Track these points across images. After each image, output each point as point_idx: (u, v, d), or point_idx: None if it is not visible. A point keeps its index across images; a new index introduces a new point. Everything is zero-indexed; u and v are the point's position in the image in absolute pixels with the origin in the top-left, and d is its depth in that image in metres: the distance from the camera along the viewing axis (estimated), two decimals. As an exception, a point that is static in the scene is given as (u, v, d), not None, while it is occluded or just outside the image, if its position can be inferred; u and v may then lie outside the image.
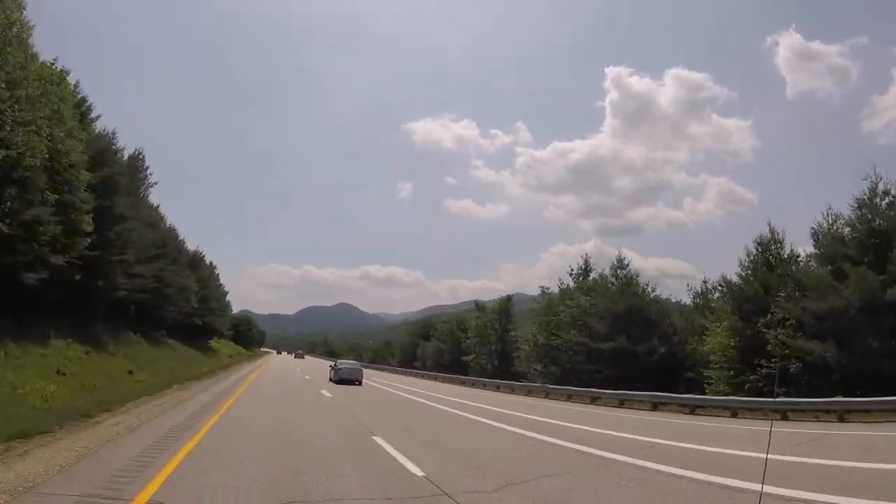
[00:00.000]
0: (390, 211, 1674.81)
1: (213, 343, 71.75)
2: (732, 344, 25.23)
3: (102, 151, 26.93)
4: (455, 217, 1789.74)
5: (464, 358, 56.61)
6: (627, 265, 36.35)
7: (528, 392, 30.03)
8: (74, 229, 20.54)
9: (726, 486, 6.59)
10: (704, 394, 24.03)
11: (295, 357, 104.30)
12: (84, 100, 26.44)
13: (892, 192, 22.34)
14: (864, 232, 22.30)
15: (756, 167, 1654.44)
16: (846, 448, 10.38)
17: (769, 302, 23.74)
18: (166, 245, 40.44)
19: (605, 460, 8.67)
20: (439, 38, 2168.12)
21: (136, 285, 31.72)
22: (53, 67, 19.67)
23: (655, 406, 20.90)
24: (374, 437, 10.33)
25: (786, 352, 21.43)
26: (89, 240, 21.45)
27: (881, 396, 15.13)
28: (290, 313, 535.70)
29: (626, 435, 12.22)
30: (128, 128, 62.66)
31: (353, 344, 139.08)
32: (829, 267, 22.57)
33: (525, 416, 16.64)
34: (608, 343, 31.85)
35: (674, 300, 40.18)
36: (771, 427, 12.26)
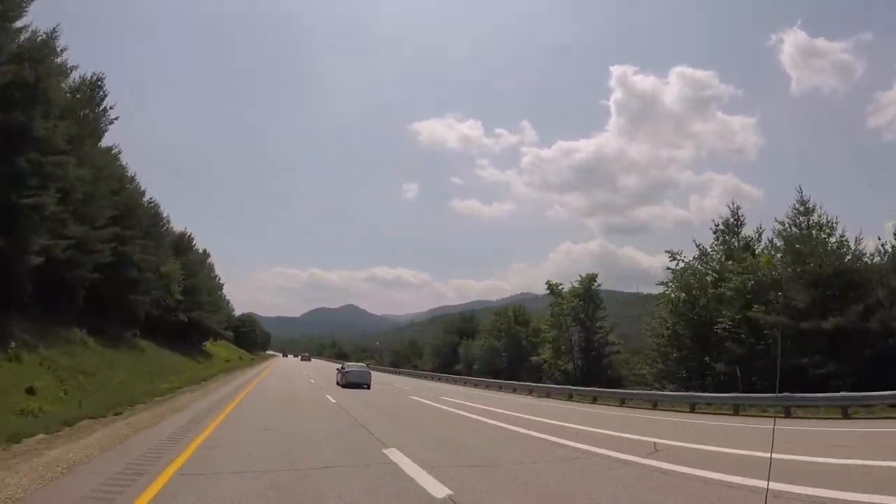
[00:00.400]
0: (396, 212, 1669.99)
1: (209, 346, 61.72)
2: None
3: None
4: (461, 217, 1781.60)
5: (532, 358, 45.06)
6: (813, 209, 24.86)
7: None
8: None
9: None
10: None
11: (301, 360, 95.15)
12: None
13: None
14: None
15: (761, 164, 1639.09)
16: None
17: None
18: (135, 213, 30.61)
19: None
20: (442, 38, 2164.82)
21: (79, 257, 21.97)
22: None
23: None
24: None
25: None
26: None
27: None
28: (297, 315, 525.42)
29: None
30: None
31: (363, 346, 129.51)
32: None
33: None
34: (817, 322, 21.04)
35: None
36: None
